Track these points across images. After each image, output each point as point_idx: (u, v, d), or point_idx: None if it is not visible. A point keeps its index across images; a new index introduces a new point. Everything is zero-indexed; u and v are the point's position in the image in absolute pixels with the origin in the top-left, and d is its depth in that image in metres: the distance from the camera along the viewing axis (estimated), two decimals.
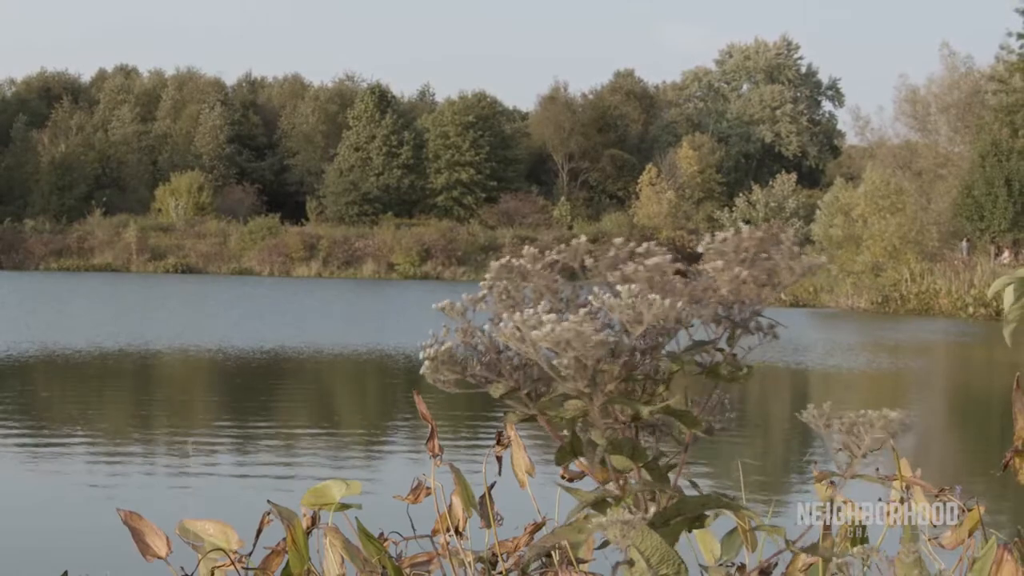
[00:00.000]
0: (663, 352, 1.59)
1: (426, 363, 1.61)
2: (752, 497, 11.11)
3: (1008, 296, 2.36)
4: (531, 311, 1.54)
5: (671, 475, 1.68)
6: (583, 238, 1.64)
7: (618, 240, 1.63)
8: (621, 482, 1.67)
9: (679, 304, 1.54)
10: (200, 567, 2.96)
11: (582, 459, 1.68)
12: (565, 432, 1.65)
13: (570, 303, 1.63)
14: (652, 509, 1.65)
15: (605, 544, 1.63)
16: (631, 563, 1.61)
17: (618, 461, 1.64)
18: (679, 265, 1.60)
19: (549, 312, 1.54)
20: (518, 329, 1.53)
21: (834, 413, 1.75)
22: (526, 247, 1.64)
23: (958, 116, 71.18)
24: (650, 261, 1.58)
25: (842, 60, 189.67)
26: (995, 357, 31.39)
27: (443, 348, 1.60)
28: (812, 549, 1.88)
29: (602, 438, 1.61)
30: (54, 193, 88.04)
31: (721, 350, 1.64)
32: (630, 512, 1.60)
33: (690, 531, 1.73)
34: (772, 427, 18.25)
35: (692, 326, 1.60)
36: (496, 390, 1.60)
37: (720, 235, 1.62)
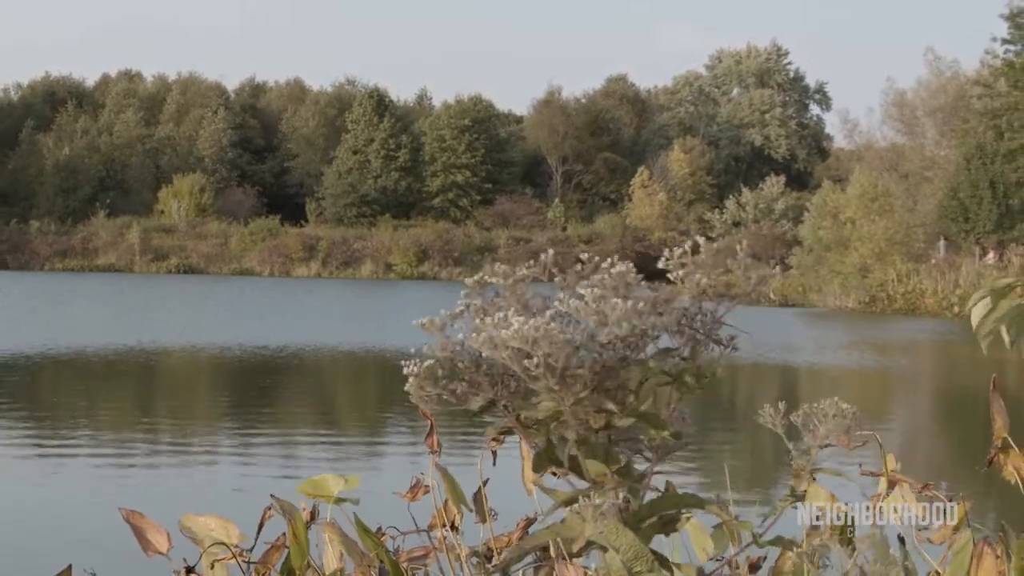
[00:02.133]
0: (631, 362, 1.61)
1: (410, 380, 1.62)
2: (742, 495, 11.12)
3: (977, 312, 2.37)
4: (500, 315, 1.55)
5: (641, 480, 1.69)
6: (551, 252, 1.65)
7: (584, 254, 1.64)
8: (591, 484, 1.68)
9: (640, 306, 1.55)
10: (202, 561, 2.96)
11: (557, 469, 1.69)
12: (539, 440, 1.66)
13: (541, 313, 1.64)
14: (621, 496, 1.66)
15: (583, 549, 1.64)
16: (604, 548, 1.62)
17: (592, 466, 1.65)
18: (641, 278, 1.62)
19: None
20: (488, 334, 1.54)
21: (788, 411, 1.77)
22: (496, 265, 1.65)
23: (944, 120, 71.33)
24: (615, 270, 1.59)
25: (830, 63, 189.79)
26: (979, 355, 31.35)
27: (425, 365, 1.62)
28: (777, 543, 1.89)
29: (573, 434, 1.62)
30: (59, 195, 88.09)
31: (685, 359, 1.66)
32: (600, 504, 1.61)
33: (665, 534, 1.74)
34: (759, 427, 18.25)
35: (658, 336, 1.62)
36: (475, 403, 1.61)
37: (678, 249, 1.64)
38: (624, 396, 1.61)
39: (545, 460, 1.66)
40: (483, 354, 1.58)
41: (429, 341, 1.64)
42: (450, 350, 1.62)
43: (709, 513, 1.82)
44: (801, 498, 1.86)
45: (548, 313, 1.55)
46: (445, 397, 1.62)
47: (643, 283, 1.60)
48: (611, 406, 1.60)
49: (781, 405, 1.77)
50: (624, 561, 1.59)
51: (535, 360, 1.53)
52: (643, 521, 1.67)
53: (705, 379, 1.67)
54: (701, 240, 1.63)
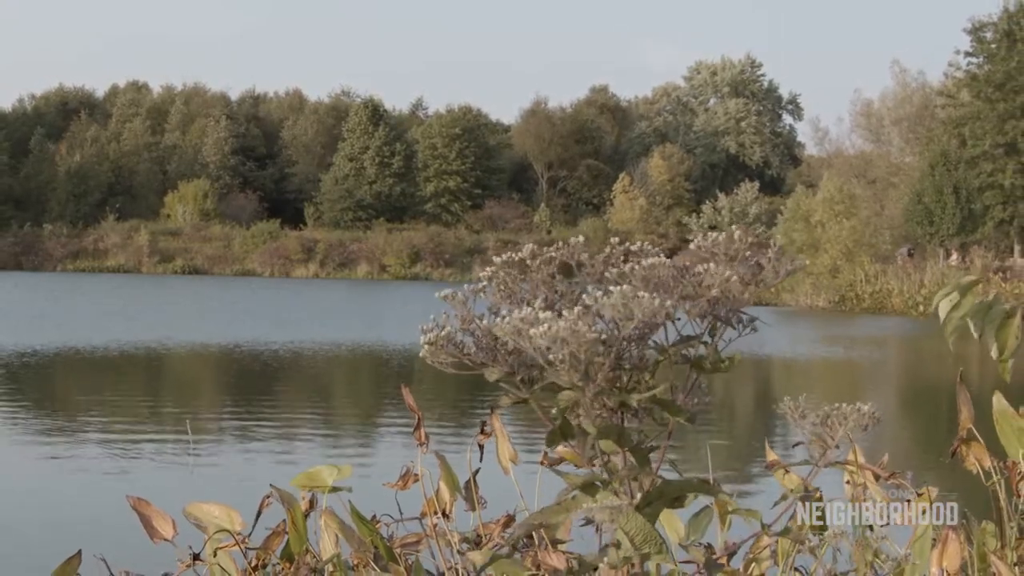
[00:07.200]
0: (650, 343, 1.59)
1: (426, 346, 1.59)
2: (720, 481, 11.12)
3: (944, 307, 2.36)
4: (529, 309, 1.52)
5: (653, 459, 1.67)
6: (581, 237, 1.63)
7: (614, 239, 1.62)
8: (606, 462, 1.66)
9: (668, 303, 1.53)
10: (207, 547, 2.95)
11: (570, 443, 1.67)
12: (555, 417, 1.63)
13: (565, 297, 1.62)
14: (636, 492, 1.65)
15: (589, 522, 1.63)
16: (618, 545, 1.60)
17: (605, 445, 1.64)
18: (673, 262, 1.60)
19: (545, 308, 1.53)
20: (517, 327, 1.51)
21: (809, 406, 1.75)
22: (527, 245, 1.63)
23: (909, 128, 71.53)
24: (647, 261, 1.57)
25: (803, 75, 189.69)
26: (944, 350, 31.44)
27: (443, 332, 1.59)
28: (786, 533, 1.88)
29: (593, 427, 1.60)
30: (70, 200, 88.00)
31: (705, 343, 1.64)
32: (616, 496, 1.59)
33: (674, 509, 1.73)
34: (739, 414, 18.27)
35: (679, 319, 1.60)
36: (492, 374, 1.58)
37: (712, 236, 1.61)
38: (640, 375, 1.60)
39: (559, 437, 1.64)
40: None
41: (448, 313, 1.62)
42: (469, 321, 1.60)
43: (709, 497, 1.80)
44: (812, 493, 1.85)
45: (576, 310, 1.52)
46: (466, 361, 1.59)
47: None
48: (628, 397, 1.58)
49: (801, 399, 1.75)
50: (634, 544, 1.58)
51: (561, 356, 1.50)
52: (651, 502, 1.65)
53: (723, 363, 1.65)
54: (735, 231, 1.62)
